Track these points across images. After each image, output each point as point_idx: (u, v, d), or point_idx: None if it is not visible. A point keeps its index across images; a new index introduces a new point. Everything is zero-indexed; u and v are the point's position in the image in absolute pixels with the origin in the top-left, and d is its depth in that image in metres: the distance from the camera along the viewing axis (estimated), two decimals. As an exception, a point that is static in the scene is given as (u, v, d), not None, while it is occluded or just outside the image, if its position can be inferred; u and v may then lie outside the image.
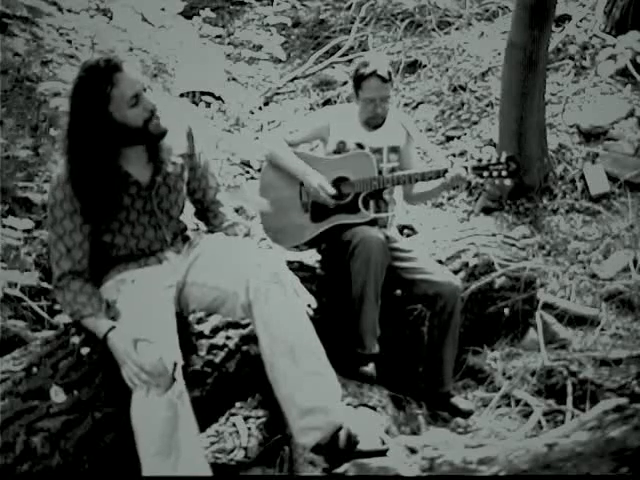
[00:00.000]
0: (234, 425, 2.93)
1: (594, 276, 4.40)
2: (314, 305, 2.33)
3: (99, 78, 2.13)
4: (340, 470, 2.11)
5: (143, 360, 2.09)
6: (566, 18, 6.53)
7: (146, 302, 2.25)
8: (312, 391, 2.20)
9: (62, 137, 2.25)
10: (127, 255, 2.35)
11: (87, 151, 2.18)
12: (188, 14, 5.28)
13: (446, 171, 3.05)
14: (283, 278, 2.26)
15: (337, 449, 2.18)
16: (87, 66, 2.17)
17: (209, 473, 2.19)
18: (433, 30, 7.04)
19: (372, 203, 3.15)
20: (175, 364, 2.12)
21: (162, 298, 2.30)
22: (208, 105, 5.24)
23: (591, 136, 5.46)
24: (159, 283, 2.33)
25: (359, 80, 3.09)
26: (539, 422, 3.09)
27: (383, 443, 2.19)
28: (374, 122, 3.15)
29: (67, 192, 2.21)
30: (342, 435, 2.19)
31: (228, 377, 2.48)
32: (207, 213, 2.58)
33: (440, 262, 3.37)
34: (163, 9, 4.25)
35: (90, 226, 2.26)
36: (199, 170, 2.50)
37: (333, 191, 3.09)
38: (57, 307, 3.34)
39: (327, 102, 6.36)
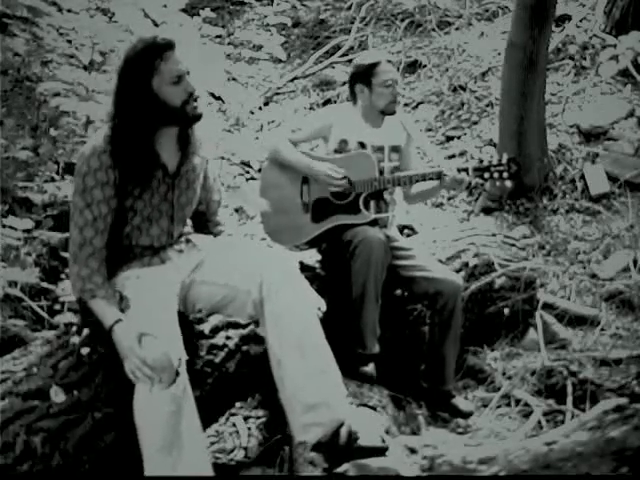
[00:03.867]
0: (234, 425, 2.93)
1: (594, 276, 4.40)
2: (324, 308, 2.36)
3: (151, 50, 2.21)
4: (340, 470, 2.11)
5: (146, 354, 2.10)
6: (566, 18, 6.53)
7: (151, 298, 2.26)
8: (318, 388, 2.22)
9: (110, 104, 2.29)
10: (136, 245, 2.36)
11: (130, 122, 2.23)
12: (188, 14, 5.28)
13: (445, 173, 3.06)
14: (296, 277, 2.31)
15: (337, 446, 2.19)
16: (143, 39, 2.24)
17: (210, 469, 2.20)
18: (433, 30, 7.04)
19: (373, 203, 3.15)
20: (180, 359, 2.13)
21: (166, 295, 2.32)
22: (208, 105, 5.24)
23: (591, 136, 5.46)
24: (163, 280, 2.35)
25: (371, 68, 3.10)
26: (539, 422, 3.09)
27: (383, 442, 2.19)
28: (392, 108, 3.15)
29: (104, 161, 2.22)
30: (343, 431, 2.20)
31: (228, 377, 2.48)
32: (207, 223, 2.62)
33: (440, 262, 3.37)
34: (165, 6, 4.24)
35: (117, 201, 2.27)
36: (209, 181, 2.55)
37: (343, 173, 3.08)
38: (57, 307, 3.34)
39: (327, 102, 6.37)
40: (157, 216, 2.36)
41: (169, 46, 2.22)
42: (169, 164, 2.34)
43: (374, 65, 3.11)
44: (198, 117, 2.31)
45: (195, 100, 2.27)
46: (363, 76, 3.14)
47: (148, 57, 2.21)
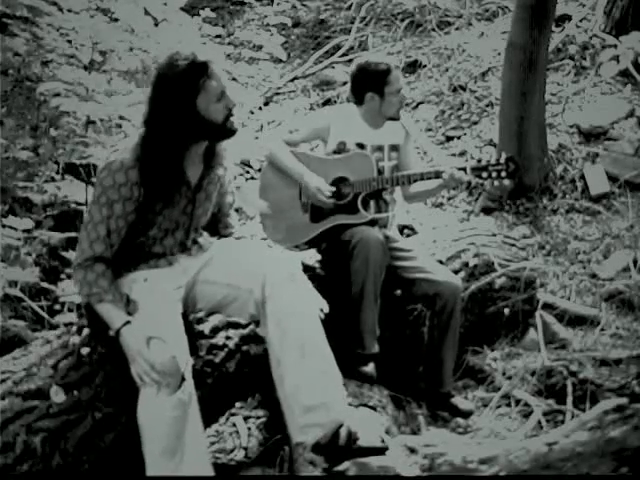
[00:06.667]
0: (234, 425, 2.93)
1: (594, 276, 4.40)
2: (326, 309, 2.35)
3: (197, 69, 2.20)
4: (340, 468, 2.11)
5: (155, 358, 2.09)
6: (566, 18, 6.53)
7: (158, 301, 2.26)
8: (317, 388, 2.21)
9: (141, 124, 2.27)
10: (148, 253, 2.36)
11: (164, 141, 2.22)
12: (188, 14, 5.28)
13: (444, 171, 3.06)
14: (299, 278, 2.31)
15: (337, 446, 2.19)
16: (183, 57, 2.21)
17: (212, 474, 2.20)
18: (433, 30, 7.04)
19: (372, 203, 3.15)
20: (187, 363, 2.13)
21: (172, 299, 2.32)
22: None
23: (591, 136, 5.46)
24: (169, 284, 2.35)
25: (384, 75, 3.09)
26: (539, 422, 3.09)
27: (383, 442, 2.19)
28: (399, 114, 3.17)
29: (130, 177, 2.21)
30: (342, 432, 2.19)
31: (228, 377, 2.48)
32: (218, 224, 2.62)
33: (440, 262, 3.37)
34: (165, 4, 4.24)
35: (135, 216, 2.27)
36: (225, 186, 2.55)
37: (330, 192, 3.09)
38: (57, 307, 3.34)
39: (327, 102, 6.37)
40: (174, 228, 2.36)
41: (210, 63, 2.23)
42: (192, 179, 2.35)
43: (386, 73, 3.09)
44: (235, 131, 2.32)
45: (233, 115, 2.28)
46: (375, 85, 3.10)
47: (193, 76, 2.20)
